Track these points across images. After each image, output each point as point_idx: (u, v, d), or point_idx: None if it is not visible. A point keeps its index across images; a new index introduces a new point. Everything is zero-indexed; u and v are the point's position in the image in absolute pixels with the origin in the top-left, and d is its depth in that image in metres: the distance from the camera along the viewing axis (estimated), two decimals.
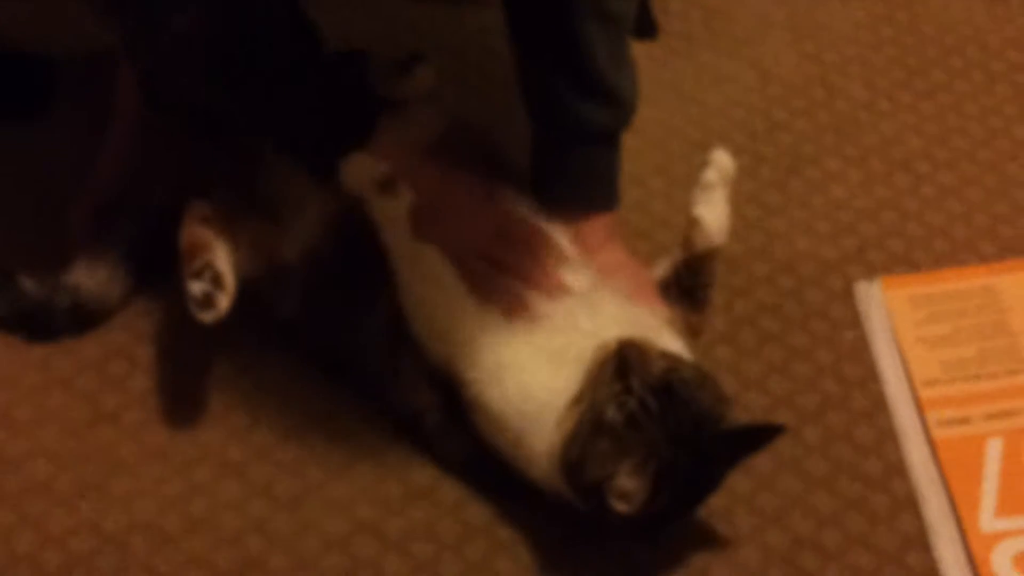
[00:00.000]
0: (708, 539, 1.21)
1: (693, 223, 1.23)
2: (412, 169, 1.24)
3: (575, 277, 1.22)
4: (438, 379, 1.21)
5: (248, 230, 1.26)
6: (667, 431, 1.10)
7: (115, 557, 1.19)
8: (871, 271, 1.42)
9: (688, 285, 1.26)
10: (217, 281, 1.18)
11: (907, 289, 1.39)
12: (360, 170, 1.22)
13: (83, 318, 1.32)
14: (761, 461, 1.25)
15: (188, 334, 1.24)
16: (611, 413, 1.11)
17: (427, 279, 1.22)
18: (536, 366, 1.17)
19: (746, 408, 1.29)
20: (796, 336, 1.37)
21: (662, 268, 1.27)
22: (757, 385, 1.33)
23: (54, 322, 1.31)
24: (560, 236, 1.26)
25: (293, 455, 1.26)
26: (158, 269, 1.31)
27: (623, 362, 1.12)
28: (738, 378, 1.33)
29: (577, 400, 1.14)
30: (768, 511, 1.24)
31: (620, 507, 1.09)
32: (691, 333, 1.26)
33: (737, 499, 1.23)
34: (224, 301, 1.18)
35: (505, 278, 1.20)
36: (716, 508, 1.20)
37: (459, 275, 1.21)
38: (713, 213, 1.23)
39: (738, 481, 1.22)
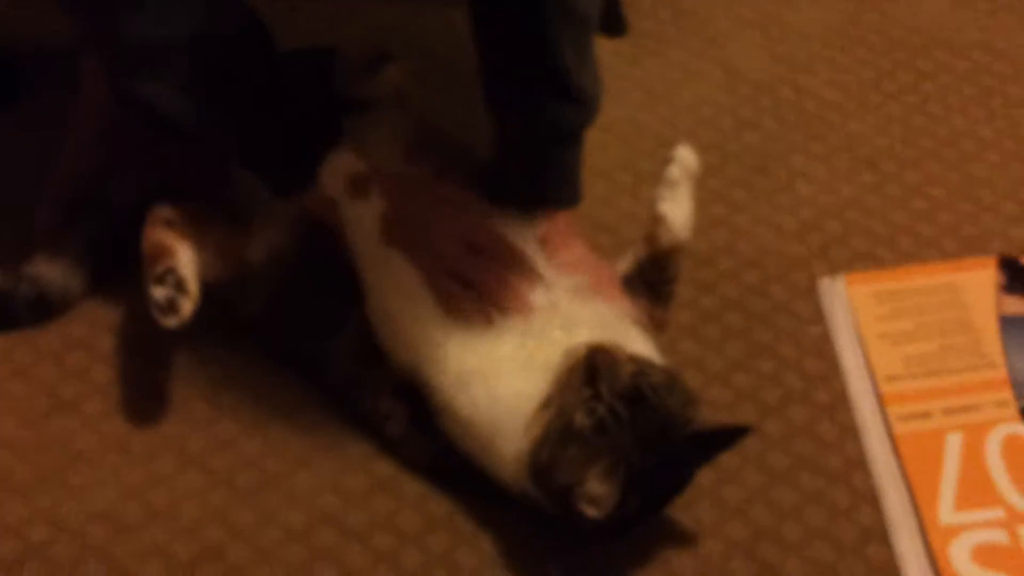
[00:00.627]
0: (671, 531, 1.21)
1: (657, 220, 1.24)
2: (381, 175, 1.23)
3: (547, 296, 1.21)
4: (403, 387, 1.20)
5: (213, 233, 1.25)
6: (636, 437, 1.10)
7: (73, 547, 1.18)
8: (835, 268, 1.42)
9: (652, 280, 1.26)
10: (180, 286, 1.18)
11: (870, 286, 1.40)
12: (337, 168, 1.21)
13: (44, 309, 1.31)
14: (725, 455, 1.25)
15: (150, 326, 1.23)
16: (580, 419, 1.11)
17: (395, 286, 1.21)
18: (504, 372, 1.17)
19: (710, 403, 1.29)
20: (760, 331, 1.37)
21: (626, 263, 1.28)
22: (721, 380, 1.33)
23: (16, 312, 1.30)
24: (533, 249, 1.25)
25: (255, 447, 1.25)
26: (121, 263, 1.30)
27: (592, 368, 1.12)
28: (702, 372, 1.33)
29: (546, 405, 1.14)
30: (730, 504, 1.24)
31: (590, 512, 1.09)
32: (655, 327, 1.26)
33: (700, 492, 1.23)
34: (187, 306, 1.17)
35: (474, 295, 1.20)
36: (679, 501, 1.20)
37: (427, 286, 1.20)
38: (677, 209, 1.24)
39: (701, 474, 1.22)
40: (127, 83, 1.14)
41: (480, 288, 1.20)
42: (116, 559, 1.17)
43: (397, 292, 1.20)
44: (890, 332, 1.35)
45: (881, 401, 1.30)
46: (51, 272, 1.30)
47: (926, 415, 1.28)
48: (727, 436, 1.18)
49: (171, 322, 1.17)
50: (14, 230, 1.34)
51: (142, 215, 1.25)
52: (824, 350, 1.35)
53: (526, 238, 1.25)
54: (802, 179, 1.51)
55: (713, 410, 1.28)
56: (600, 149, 1.50)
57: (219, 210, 1.27)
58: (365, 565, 1.18)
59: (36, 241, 1.31)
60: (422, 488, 1.23)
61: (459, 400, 1.17)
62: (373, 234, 1.21)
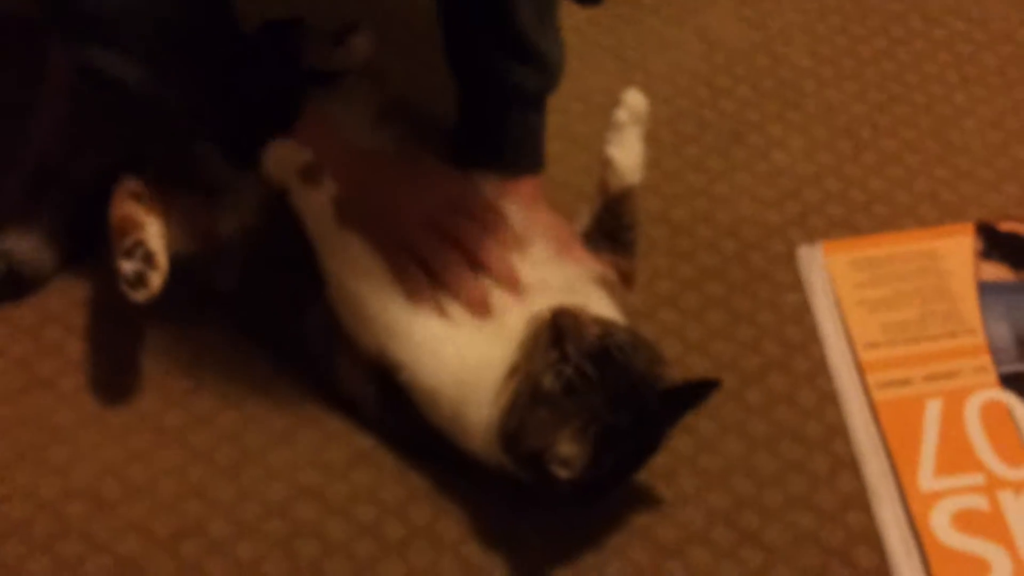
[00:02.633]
0: (651, 500, 1.21)
1: (606, 163, 1.23)
2: (341, 153, 1.21)
3: (531, 270, 1.20)
4: (373, 370, 1.19)
5: (181, 205, 1.24)
6: (606, 396, 1.10)
7: (51, 524, 1.17)
8: (813, 235, 1.42)
9: (610, 228, 1.25)
10: (148, 260, 1.16)
11: (848, 253, 1.40)
12: (282, 157, 1.19)
13: (17, 284, 1.30)
14: (704, 423, 1.26)
15: (125, 301, 1.22)
16: (548, 381, 1.10)
17: (353, 268, 1.19)
18: (469, 342, 1.16)
19: (689, 371, 1.29)
20: (739, 300, 1.37)
21: (584, 218, 1.27)
22: (700, 348, 1.33)
23: None
24: (513, 216, 1.23)
25: (233, 421, 1.25)
26: (94, 236, 1.29)
27: (558, 330, 1.12)
28: (682, 342, 1.33)
29: (513, 372, 1.13)
30: (711, 472, 1.24)
31: (562, 473, 1.08)
32: (624, 282, 1.26)
33: (680, 460, 1.23)
34: (156, 280, 1.16)
35: (434, 285, 1.18)
36: (659, 469, 1.20)
37: (387, 267, 1.18)
38: (624, 152, 1.23)
39: (681, 442, 1.23)
40: (82, 51, 1.11)
41: (442, 281, 1.18)
42: (95, 535, 1.17)
43: (356, 274, 1.18)
44: (868, 299, 1.36)
45: (860, 368, 1.30)
46: (23, 246, 1.29)
47: (905, 382, 1.29)
48: (697, 392, 1.17)
49: (140, 296, 1.15)
50: None
51: (114, 183, 1.23)
52: (803, 318, 1.35)
53: (494, 206, 1.24)
54: (779, 147, 1.51)
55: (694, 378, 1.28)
56: (578, 118, 1.50)
57: (187, 183, 1.25)
58: (347, 538, 1.18)
59: (5, 215, 1.30)
60: (403, 460, 1.22)
61: (424, 374, 1.16)
62: (327, 218, 1.19)
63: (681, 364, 1.30)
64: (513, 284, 1.18)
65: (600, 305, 1.18)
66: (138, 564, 1.15)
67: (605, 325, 1.14)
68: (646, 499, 1.21)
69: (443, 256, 1.18)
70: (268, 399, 1.26)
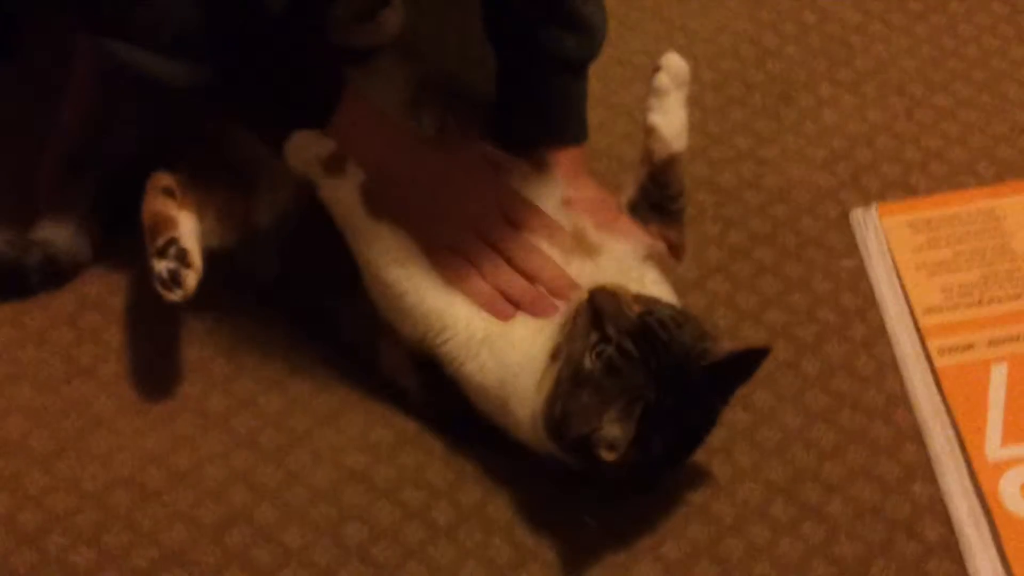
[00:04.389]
0: (707, 477, 1.18)
1: (649, 131, 1.17)
2: (382, 139, 1.17)
3: (582, 264, 1.16)
4: (416, 359, 1.16)
5: (215, 197, 1.20)
6: (649, 373, 1.06)
7: (95, 515, 1.15)
8: (867, 197, 1.38)
9: (657, 199, 1.20)
10: (183, 258, 1.13)
11: (905, 215, 1.35)
12: (303, 148, 1.15)
13: (55, 273, 1.27)
14: (760, 395, 1.22)
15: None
16: (589, 363, 1.07)
17: (387, 259, 1.14)
18: (514, 334, 1.13)
19: (743, 342, 1.25)
20: (792, 266, 1.33)
21: (629, 190, 1.22)
22: (753, 317, 1.29)
23: (27, 280, 1.26)
24: (552, 206, 1.20)
25: (277, 405, 1.22)
26: (129, 220, 1.26)
27: (596, 311, 1.08)
28: (734, 311, 1.29)
29: (554, 357, 1.10)
30: (768, 446, 1.20)
31: (608, 456, 1.04)
32: (673, 254, 1.21)
33: (736, 435, 1.20)
34: (191, 279, 1.13)
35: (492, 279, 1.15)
36: (715, 445, 1.17)
37: (425, 255, 1.15)
38: (668, 119, 1.17)
39: (737, 416, 1.19)
40: (108, 47, 1.09)
41: (494, 283, 1.15)
42: (140, 525, 1.15)
43: (390, 264, 1.14)
44: (927, 262, 1.31)
45: (921, 334, 1.26)
46: (59, 234, 1.26)
47: (968, 347, 1.24)
48: (747, 361, 1.10)
49: (175, 296, 1.12)
50: (15, 193, 1.30)
51: (144, 170, 1.20)
52: (859, 283, 1.31)
53: (542, 192, 1.20)
54: (829, 107, 1.46)
55: None
56: (619, 84, 1.45)
57: (220, 173, 1.21)
58: (395, 521, 1.16)
59: (40, 204, 1.27)
60: (450, 442, 1.19)
61: (469, 368, 1.13)
62: (355, 209, 1.15)
63: (734, 334, 1.26)
64: (566, 293, 1.14)
65: (654, 285, 1.15)
66: (184, 554, 1.13)
67: (646, 302, 1.10)
68: (702, 476, 1.17)
69: (492, 261, 1.15)
70: (311, 381, 1.23)
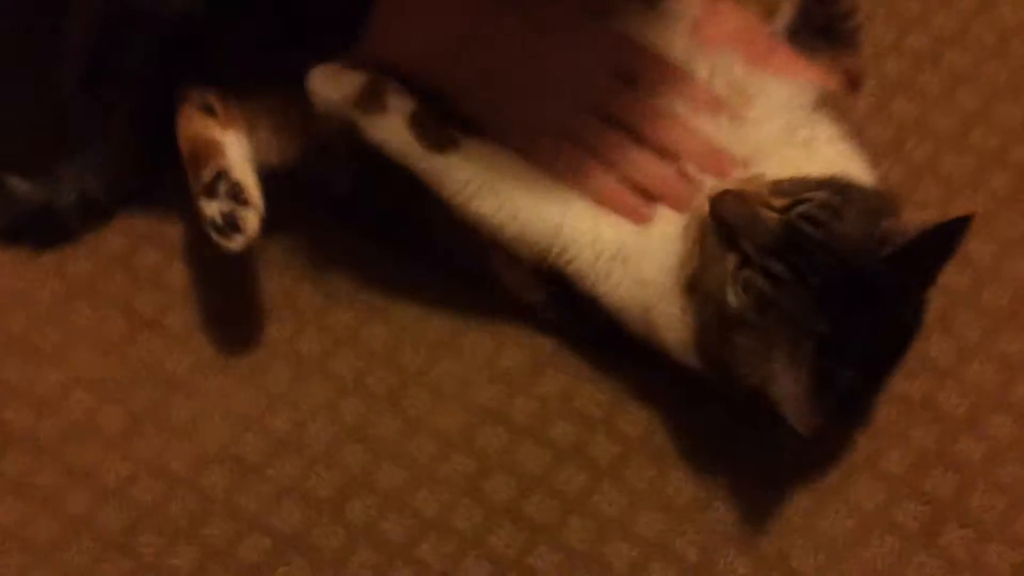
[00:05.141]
0: (924, 360, 0.93)
1: None
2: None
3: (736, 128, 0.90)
4: (541, 275, 0.93)
5: (264, 108, 0.97)
6: (812, 295, 0.81)
7: (189, 502, 0.96)
8: None
9: (823, 20, 0.95)
10: (237, 195, 0.91)
11: None
12: (328, 88, 0.91)
13: (96, 211, 1.05)
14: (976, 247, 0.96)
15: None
16: (734, 299, 0.83)
17: (471, 190, 0.91)
18: (651, 242, 0.89)
19: (941, 178, 0.99)
20: (993, 68, 1.05)
21: (784, 15, 0.95)
22: (952, 144, 1.02)
23: (63, 223, 1.05)
24: (690, 53, 0.92)
25: (382, 338, 1.00)
26: (173, 132, 1.03)
27: (725, 226, 0.82)
28: (930, 137, 1.03)
29: (689, 288, 0.86)
30: (997, 311, 0.95)
31: (791, 410, 0.81)
32: (851, 84, 0.95)
33: (956, 301, 0.95)
34: (252, 219, 0.90)
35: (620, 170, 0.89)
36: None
37: (533, 163, 0.90)
38: None
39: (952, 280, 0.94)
40: None
41: (618, 171, 0.90)
42: (245, 510, 0.95)
43: (476, 194, 0.91)
44: None
45: None
46: (92, 166, 1.03)
47: None
48: (943, 236, 0.82)
49: (234, 244, 0.90)
50: (37, 128, 1.06)
51: (180, 78, 0.97)
52: None
53: (665, 32, 0.92)
54: None
55: (947, 189, 0.98)
56: None
57: (267, 74, 0.97)
58: (546, 466, 0.95)
59: (67, 133, 1.04)
60: (596, 361, 0.97)
61: (603, 288, 0.90)
62: (412, 146, 0.91)
63: (931, 172, 1.00)
64: (723, 168, 0.88)
65: (828, 145, 0.88)
66: (301, 538, 0.94)
67: (790, 188, 0.83)
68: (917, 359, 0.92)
69: (614, 143, 0.89)
70: (418, 306, 1.01)
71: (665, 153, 0.89)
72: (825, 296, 0.81)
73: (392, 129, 0.91)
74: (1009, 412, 0.92)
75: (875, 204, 0.84)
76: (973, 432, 0.92)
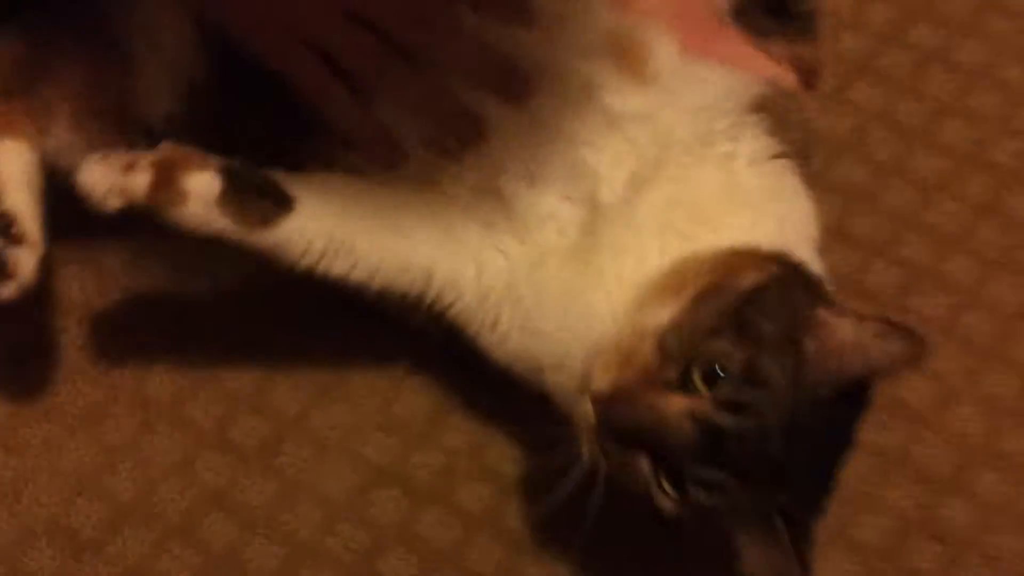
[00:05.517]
0: None
1: None
2: None
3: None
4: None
5: (66, 90, 0.78)
6: (762, 478, 0.67)
7: None
8: None
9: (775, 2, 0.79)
10: (7, 228, 0.73)
11: None
12: (108, 192, 0.72)
13: None
14: None
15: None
16: (666, 504, 0.68)
17: (313, 253, 0.75)
18: (543, 288, 0.75)
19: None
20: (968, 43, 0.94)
21: None
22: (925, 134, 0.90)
23: None
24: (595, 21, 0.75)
25: (249, 379, 0.84)
26: None
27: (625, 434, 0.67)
28: (893, 130, 0.90)
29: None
30: None
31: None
32: (805, 81, 0.79)
33: None
34: (27, 260, 0.73)
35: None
36: None
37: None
38: None
39: None
40: None
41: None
42: None
43: (318, 256, 0.75)
44: None
45: None
46: None
47: None
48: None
49: (5, 292, 0.73)
50: None
51: None
52: None
53: None
54: None
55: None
56: None
57: (68, 44, 0.77)
58: (456, 539, 0.80)
59: None
60: (513, 406, 0.81)
61: (491, 338, 0.76)
62: (233, 228, 0.74)
63: (901, 166, 0.87)
64: (510, 88, 0.70)
65: (750, 168, 0.72)
66: None
67: (677, 348, 0.66)
68: None
69: (373, 54, 0.70)
70: (293, 340, 0.86)
71: (433, 66, 0.70)
72: (776, 473, 0.66)
73: (202, 218, 0.73)
74: (997, 468, 0.79)
75: (791, 309, 0.67)
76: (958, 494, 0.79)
